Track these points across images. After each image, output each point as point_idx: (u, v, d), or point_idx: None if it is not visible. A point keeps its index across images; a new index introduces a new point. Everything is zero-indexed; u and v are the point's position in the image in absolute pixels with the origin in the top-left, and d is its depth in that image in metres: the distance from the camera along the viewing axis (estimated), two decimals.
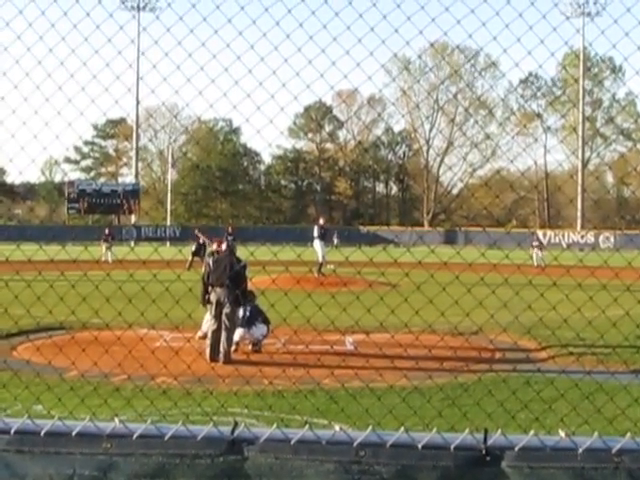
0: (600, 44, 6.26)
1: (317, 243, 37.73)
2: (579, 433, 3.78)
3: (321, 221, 39.72)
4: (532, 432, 3.69)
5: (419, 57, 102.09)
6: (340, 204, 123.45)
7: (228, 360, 16.64)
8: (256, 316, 18.32)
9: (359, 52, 5.16)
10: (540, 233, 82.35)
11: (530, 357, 16.91)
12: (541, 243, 51.22)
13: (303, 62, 5.14)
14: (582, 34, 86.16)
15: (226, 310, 17.21)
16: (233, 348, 17.54)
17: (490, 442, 3.66)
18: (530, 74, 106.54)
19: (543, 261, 43.20)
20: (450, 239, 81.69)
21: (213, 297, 17.44)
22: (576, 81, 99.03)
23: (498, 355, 17.34)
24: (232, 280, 17.31)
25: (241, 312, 18.08)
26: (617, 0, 5.98)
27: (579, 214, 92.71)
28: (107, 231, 52.82)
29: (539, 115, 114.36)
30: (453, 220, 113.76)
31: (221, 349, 16.90)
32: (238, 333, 17.90)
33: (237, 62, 5.12)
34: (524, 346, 18.02)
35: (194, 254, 40.40)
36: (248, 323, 18.14)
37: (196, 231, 42.97)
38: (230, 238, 19.23)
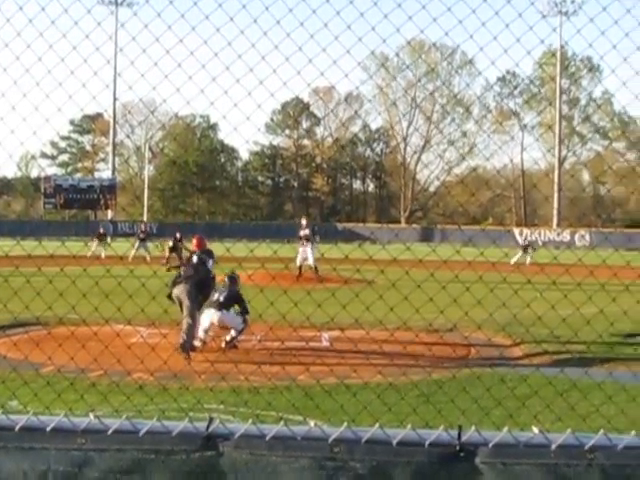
0: (577, 43, 6.32)
1: (307, 247, 35.73)
2: (553, 430, 3.81)
3: (303, 221, 37.87)
4: (506, 429, 3.72)
5: (396, 55, 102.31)
6: (317, 201, 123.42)
7: (185, 350, 16.39)
8: (233, 302, 18.01)
9: (336, 49, 5.18)
10: (517, 231, 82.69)
11: (505, 354, 16.98)
12: (529, 243, 51.39)
13: (280, 59, 5.16)
14: (559, 33, 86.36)
15: (186, 303, 17.23)
16: (207, 336, 17.67)
17: (464, 438, 3.69)
18: (507, 72, 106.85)
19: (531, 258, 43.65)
20: (427, 236, 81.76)
21: (175, 291, 17.51)
22: (553, 79, 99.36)
23: (473, 352, 17.38)
24: (197, 285, 17.45)
25: (216, 295, 18.04)
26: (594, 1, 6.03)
27: (555, 212, 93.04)
28: (102, 230, 52.76)
29: (516, 113, 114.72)
30: (430, 217, 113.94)
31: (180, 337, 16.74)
32: (209, 316, 17.77)
33: (215, 59, 5.14)
34: (499, 343, 18.07)
35: (171, 250, 40.24)
36: (221, 307, 17.85)
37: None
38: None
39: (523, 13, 5.49)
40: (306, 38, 5.11)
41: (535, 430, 3.75)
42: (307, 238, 35.66)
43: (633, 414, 10.53)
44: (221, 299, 17.98)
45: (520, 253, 47.20)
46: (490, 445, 3.65)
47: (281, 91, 5.46)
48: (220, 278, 18.69)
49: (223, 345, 17.77)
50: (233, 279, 18.40)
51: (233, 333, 17.94)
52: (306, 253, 35.43)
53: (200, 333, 17.56)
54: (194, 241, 19.22)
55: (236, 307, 18.07)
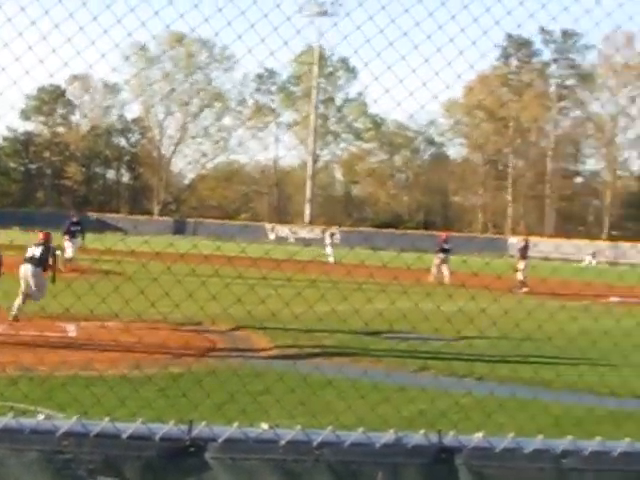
0: (335, 43, 6.48)
1: (68, 241, 35.02)
2: (283, 426, 3.89)
3: (74, 219, 37.10)
4: (236, 424, 3.77)
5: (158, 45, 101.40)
6: (70, 189, 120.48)
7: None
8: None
9: (96, 34, 5.03)
10: (268, 227, 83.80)
11: (241, 348, 17.00)
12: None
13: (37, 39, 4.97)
14: (319, 32, 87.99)
15: None
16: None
17: (195, 433, 3.72)
18: (266, 69, 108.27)
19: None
20: (179, 229, 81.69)
21: None
22: (310, 78, 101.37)
23: (211, 346, 17.29)
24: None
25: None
26: (353, 1, 6.18)
27: (308, 209, 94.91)
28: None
29: (273, 110, 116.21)
30: (183, 210, 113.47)
31: None
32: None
33: None
34: (238, 337, 18.16)
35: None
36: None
37: None
38: None
39: (285, 10, 5.56)
40: (64, 16, 4.95)
41: (264, 426, 3.82)
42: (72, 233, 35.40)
43: (361, 411, 10.86)
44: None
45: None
46: (220, 440, 3.69)
47: (37, 74, 5.24)
48: None
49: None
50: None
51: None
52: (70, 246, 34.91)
53: None
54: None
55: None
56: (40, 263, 19.97)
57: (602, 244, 76.40)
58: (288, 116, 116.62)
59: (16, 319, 19.02)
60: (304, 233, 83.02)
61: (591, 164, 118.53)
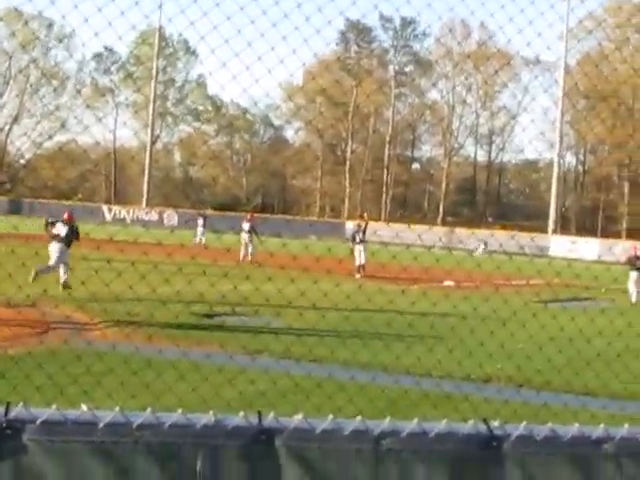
0: (177, 24, 6.53)
1: None
2: (126, 407, 3.94)
3: None
4: (54, 406, 3.75)
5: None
6: None
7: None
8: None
9: None
10: (105, 208, 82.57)
11: (82, 331, 16.84)
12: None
13: None
14: (160, 13, 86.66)
15: None
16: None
17: (12, 415, 3.68)
18: (105, 48, 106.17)
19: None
20: (15, 209, 79.59)
21: None
22: (149, 59, 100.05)
23: (50, 328, 17.05)
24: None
25: None
26: None
27: (145, 191, 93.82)
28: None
29: (112, 90, 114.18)
30: (19, 190, 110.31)
31: None
32: None
33: None
34: (77, 319, 17.96)
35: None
36: None
37: None
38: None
39: None
40: None
41: (83, 407, 3.82)
42: None
43: (204, 392, 10.95)
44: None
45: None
46: (37, 422, 3.67)
47: None
48: None
49: None
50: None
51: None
52: None
53: None
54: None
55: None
56: (66, 240, 23.47)
57: (438, 230, 78.22)
58: (128, 96, 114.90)
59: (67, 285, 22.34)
60: (142, 214, 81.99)
61: (428, 151, 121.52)
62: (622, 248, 52.39)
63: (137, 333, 16.22)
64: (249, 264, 35.68)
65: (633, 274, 30.95)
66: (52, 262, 23.05)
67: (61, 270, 23.03)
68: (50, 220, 24.39)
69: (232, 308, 18.22)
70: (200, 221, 52.43)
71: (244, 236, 39.40)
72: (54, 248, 23.23)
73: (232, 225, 42.64)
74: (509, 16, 7.54)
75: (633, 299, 30.19)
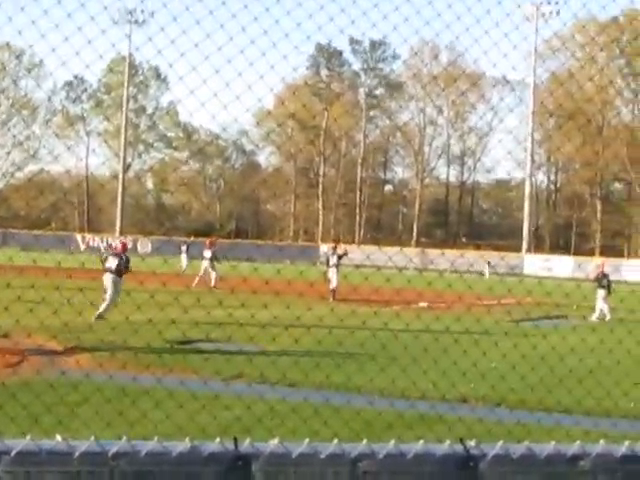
0: (146, 52, 6.60)
1: None
2: (101, 436, 3.92)
3: None
4: (29, 436, 3.75)
5: None
6: None
7: None
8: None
9: None
10: (79, 237, 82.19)
11: (55, 360, 16.76)
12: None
13: None
14: (129, 42, 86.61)
15: None
16: None
17: None
18: (75, 77, 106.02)
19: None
20: None
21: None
22: (121, 87, 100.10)
23: (23, 358, 16.94)
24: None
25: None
26: (164, 12, 6.31)
27: (119, 218, 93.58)
28: None
29: (82, 118, 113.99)
30: None
31: None
32: None
33: None
34: (50, 348, 17.87)
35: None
36: None
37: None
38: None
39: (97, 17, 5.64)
40: None
41: (58, 437, 3.81)
42: None
43: (179, 419, 10.95)
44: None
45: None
46: (12, 454, 3.66)
47: None
48: None
49: None
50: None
51: None
52: None
53: None
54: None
55: None
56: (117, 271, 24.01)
57: (411, 251, 78.40)
58: (98, 125, 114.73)
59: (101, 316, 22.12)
60: (116, 243, 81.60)
61: (400, 172, 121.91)
62: (595, 265, 52.71)
63: (111, 361, 16.18)
64: (211, 290, 35.53)
65: (600, 292, 31.03)
66: (107, 299, 23.07)
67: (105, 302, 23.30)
68: (104, 255, 25.47)
69: (205, 334, 18.23)
70: (184, 248, 52.36)
71: (204, 263, 39.43)
72: (107, 280, 23.68)
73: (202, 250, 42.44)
74: (474, 38, 7.66)
75: (607, 317, 30.21)
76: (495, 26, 7.74)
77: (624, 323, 26.09)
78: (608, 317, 30.04)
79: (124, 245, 25.76)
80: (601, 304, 30.83)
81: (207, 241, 42.82)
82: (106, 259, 24.50)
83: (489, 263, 62.96)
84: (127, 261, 24.36)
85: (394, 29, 7.68)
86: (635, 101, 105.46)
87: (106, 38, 6.28)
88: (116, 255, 24.59)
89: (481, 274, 59.67)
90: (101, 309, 22.44)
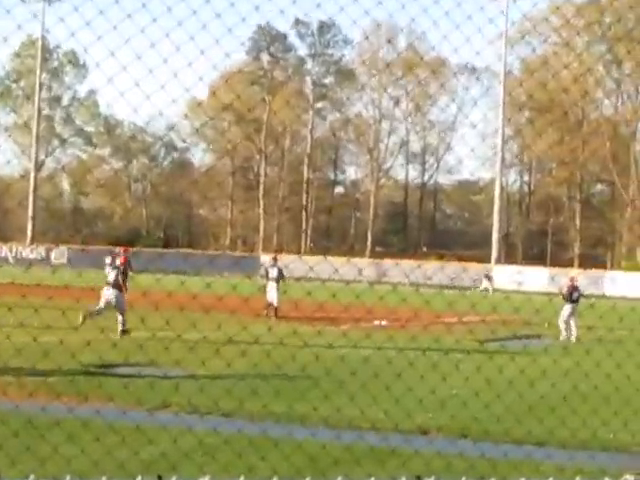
0: (61, 33, 6.53)
1: None
2: (6, 475, 3.94)
3: None
4: None
5: None
6: None
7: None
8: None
9: None
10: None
11: None
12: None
13: None
14: (42, 21, 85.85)
15: None
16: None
17: None
18: None
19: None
20: None
21: None
22: (32, 73, 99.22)
23: None
24: None
25: None
26: None
27: (30, 224, 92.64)
28: None
29: None
30: None
31: None
32: None
33: None
34: None
35: None
36: None
37: None
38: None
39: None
40: None
41: None
42: None
43: (95, 454, 10.89)
44: None
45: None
46: None
47: None
48: None
49: None
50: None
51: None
52: None
53: None
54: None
55: None
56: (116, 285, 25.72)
57: (362, 262, 78.66)
58: (6, 117, 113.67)
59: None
60: (26, 252, 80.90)
61: (352, 173, 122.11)
62: (569, 277, 53.26)
63: (15, 388, 16.04)
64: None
65: (567, 307, 30.85)
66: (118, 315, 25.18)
67: (119, 318, 25.19)
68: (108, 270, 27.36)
69: (125, 357, 18.13)
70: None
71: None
72: (106, 293, 25.62)
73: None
74: (433, 20, 7.72)
75: (573, 337, 30.03)
76: (457, 6, 7.81)
77: (603, 343, 26.36)
78: (574, 336, 29.96)
79: (125, 259, 27.32)
80: (568, 320, 30.57)
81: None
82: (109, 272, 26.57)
83: (487, 276, 63.35)
84: (125, 274, 26.21)
85: (341, 10, 7.70)
86: (618, 92, 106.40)
87: (12, 18, 6.24)
88: (113, 267, 26.62)
89: (485, 290, 60.26)
90: (120, 324, 24.80)
